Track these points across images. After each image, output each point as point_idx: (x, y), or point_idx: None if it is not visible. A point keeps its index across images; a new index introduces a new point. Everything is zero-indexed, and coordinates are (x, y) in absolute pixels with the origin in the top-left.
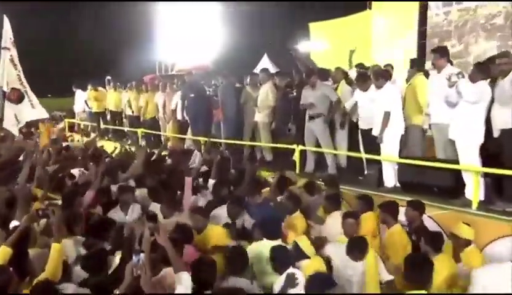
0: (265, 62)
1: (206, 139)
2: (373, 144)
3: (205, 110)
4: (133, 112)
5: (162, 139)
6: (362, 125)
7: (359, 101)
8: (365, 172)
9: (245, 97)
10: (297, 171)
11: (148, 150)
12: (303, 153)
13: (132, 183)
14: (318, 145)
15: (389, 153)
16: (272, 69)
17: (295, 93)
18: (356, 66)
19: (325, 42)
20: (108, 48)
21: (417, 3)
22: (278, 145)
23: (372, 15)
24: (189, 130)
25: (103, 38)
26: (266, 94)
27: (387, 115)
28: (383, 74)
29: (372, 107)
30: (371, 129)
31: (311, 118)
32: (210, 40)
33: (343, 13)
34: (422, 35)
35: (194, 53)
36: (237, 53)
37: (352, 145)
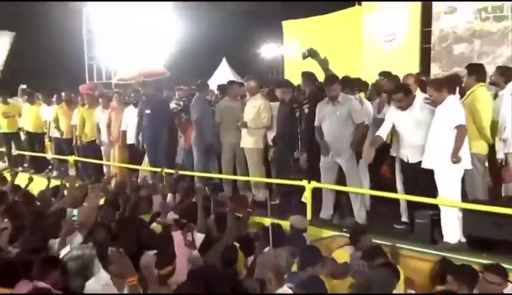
0: (224, 68)
1: (173, 170)
2: (421, 181)
3: (167, 131)
4: (62, 133)
5: (104, 171)
6: (409, 158)
7: (398, 124)
8: (403, 219)
9: (221, 113)
10: (309, 217)
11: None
12: (317, 193)
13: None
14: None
15: (449, 195)
16: (232, 76)
17: (306, 110)
18: (381, 74)
19: (301, 44)
20: (28, 50)
21: None
22: (280, 180)
23: (361, 12)
24: (145, 159)
25: (24, 38)
26: (256, 111)
27: (462, 130)
28: (450, 83)
29: (417, 131)
30: (419, 163)
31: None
32: (159, 42)
33: (324, 9)
34: (426, 37)
35: (142, 58)
36: (191, 58)
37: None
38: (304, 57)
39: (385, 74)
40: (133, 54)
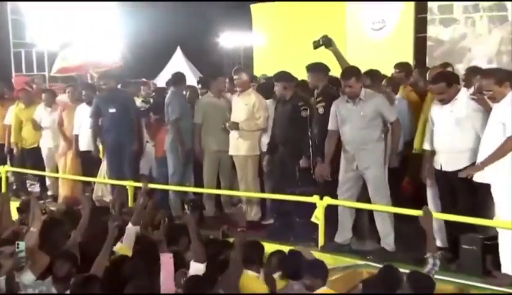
0: (178, 59)
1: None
2: (461, 196)
3: (135, 136)
4: None
5: (48, 184)
6: (445, 165)
7: (434, 122)
8: (438, 244)
9: (204, 112)
10: (321, 241)
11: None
12: (331, 212)
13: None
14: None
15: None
16: (187, 68)
17: (321, 109)
18: (397, 66)
19: (274, 32)
20: None
21: None
22: (287, 197)
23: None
24: (102, 169)
25: None
26: (250, 110)
27: None
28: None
29: (458, 132)
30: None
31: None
32: (104, 28)
33: None
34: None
35: (86, 44)
36: (141, 48)
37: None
38: (317, 46)
39: (403, 66)
40: (76, 40)
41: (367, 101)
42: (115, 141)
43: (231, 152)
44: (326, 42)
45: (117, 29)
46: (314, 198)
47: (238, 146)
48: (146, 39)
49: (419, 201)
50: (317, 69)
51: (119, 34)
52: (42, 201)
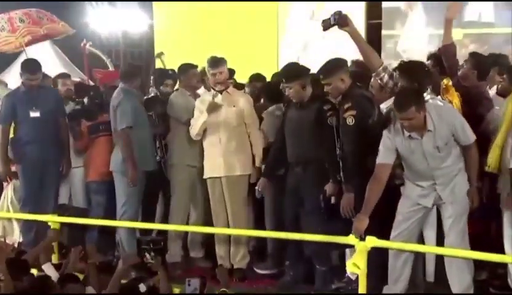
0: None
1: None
2: None
3: (61, 151)
4: None
5: None
6: None
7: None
8: None
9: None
10: None
11: None
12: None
13: None
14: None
15: None
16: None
17: (350, 119)
18: (431, 57)
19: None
20: None
21: None
22: (311, 237)
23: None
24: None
25: None
26: (239, 115)
27: None
28: None
29: None
30: None
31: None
32: None
33: None
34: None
35: None
36: None
37: None
38: (327, 27)
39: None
40: None
41: (438, 128)
42: (37, 157)
43: (217, 173)
44: (341, 21)
45: None
46: (351, 239)
47: (227, 165)
48: None
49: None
50: (333, 69)
51: None
52: None
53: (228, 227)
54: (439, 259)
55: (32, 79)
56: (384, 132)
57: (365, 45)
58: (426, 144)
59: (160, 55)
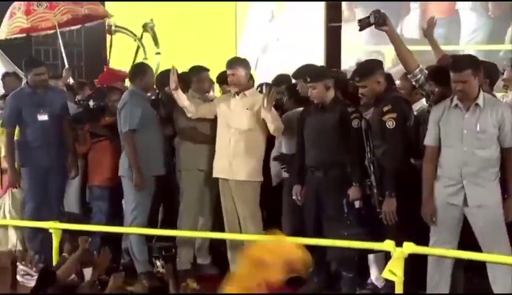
0: None
1: None
2: None
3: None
4: None
5: None
6: None
7: None
8: None
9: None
10: None
11: None
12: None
13: None
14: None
15: None
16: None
17: (390, 122)
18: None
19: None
20: None
21: None
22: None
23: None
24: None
25: None
26: (255, 117)
27: None
28: None
29: None
30: None
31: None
32: None
33: None
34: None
35: None
36: None
37: None
38: (365, 26)
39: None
40: None
41: (486, 110)
42: (43, 161)
43: (226, 176)
44: (380, 20)
45: None
46: (388, 245)
47: (239, 167)
48: None
49: None
50: (369, 70)
51: None
52: None
53: (240, 230)
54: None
55: (40, 73)
56: (434, 108)
57: (403, 45)
58: (468, 120)
59: (148, 25)
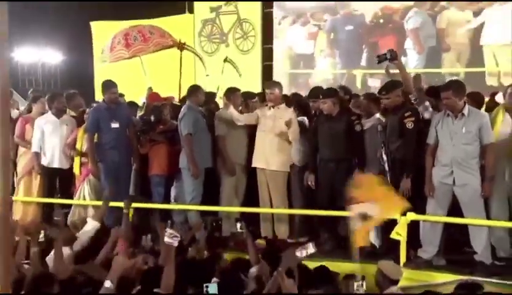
0: None
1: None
2: None
3: (132, 153)
4: None
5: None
6: None
7: None
8: None
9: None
10: (403, 258)
11: None
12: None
13: None
14: None
15: None
16: None
17: (409, 124)
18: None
19: None
20: None
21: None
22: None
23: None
24: (84, 189)
25: None
26: (285, 126)
27: None
28: None
29: None
30: None
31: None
32: None
33: (149, 13)
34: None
35: None
36: None
37: None
38: (382, 60)
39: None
40: None
41: (470, 118)
42: (115, 159)
43: (263, 166)
44: (393, 56)
45: None
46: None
47: (273, 160)
48: None
49: None
50: (393, 87)
51: None
52: None
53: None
54: None
55: (115, 92)
56: (434, 117)
57: (406, 73)
58: (456, 125)
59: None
